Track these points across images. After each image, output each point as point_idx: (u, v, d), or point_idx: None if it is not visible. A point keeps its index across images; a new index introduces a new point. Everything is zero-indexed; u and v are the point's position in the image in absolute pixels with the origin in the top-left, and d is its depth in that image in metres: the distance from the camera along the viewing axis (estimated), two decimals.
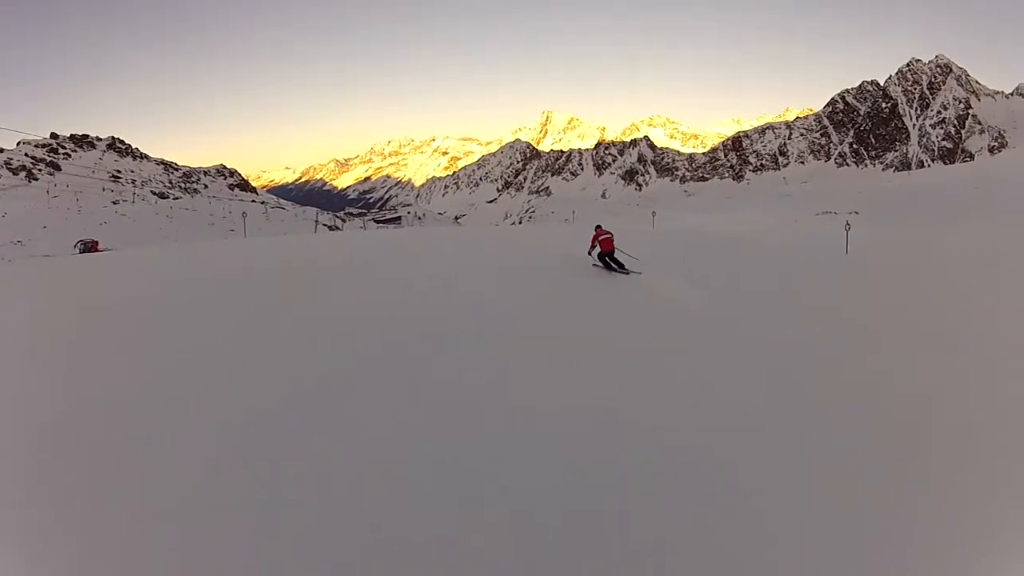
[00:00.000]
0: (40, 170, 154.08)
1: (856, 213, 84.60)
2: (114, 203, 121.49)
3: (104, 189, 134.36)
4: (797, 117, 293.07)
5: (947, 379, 7.68)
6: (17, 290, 15.32)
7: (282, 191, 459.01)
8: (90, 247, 43.05)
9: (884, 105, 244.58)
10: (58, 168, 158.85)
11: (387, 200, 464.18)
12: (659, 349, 8.70)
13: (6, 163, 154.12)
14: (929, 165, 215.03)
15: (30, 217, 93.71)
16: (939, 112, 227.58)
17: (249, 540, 3.73)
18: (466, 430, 5.49)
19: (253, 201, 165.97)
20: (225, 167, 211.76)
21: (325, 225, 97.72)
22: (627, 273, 15.15)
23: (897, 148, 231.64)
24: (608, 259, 15.47)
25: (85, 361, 7.99)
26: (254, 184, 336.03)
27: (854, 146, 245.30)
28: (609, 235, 15.81)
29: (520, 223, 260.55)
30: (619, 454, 4.99)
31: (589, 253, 16.02)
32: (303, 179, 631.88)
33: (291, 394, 6.50)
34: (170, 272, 16.76)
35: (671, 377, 7.29)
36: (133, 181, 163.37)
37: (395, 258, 18.99)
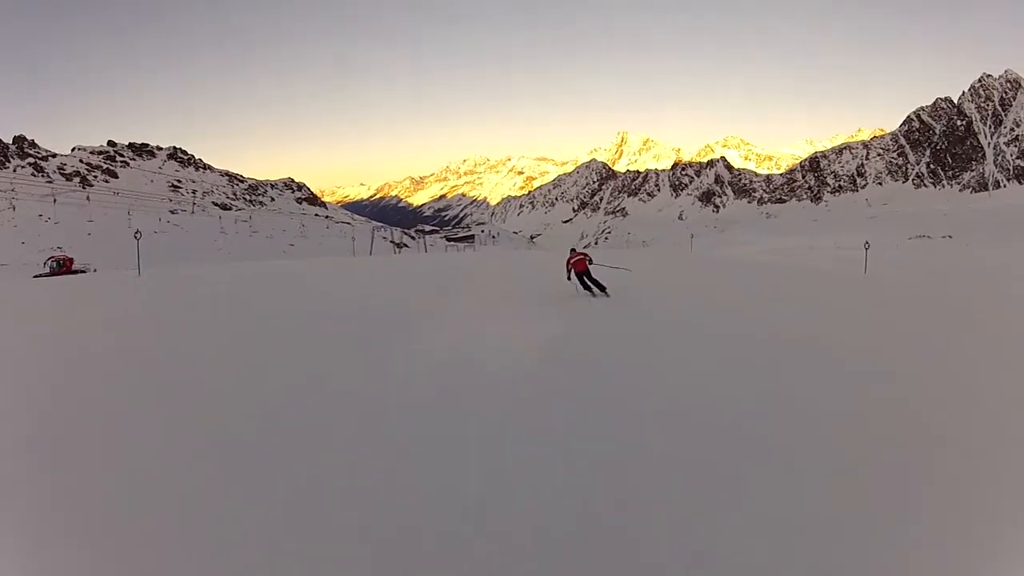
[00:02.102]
0: (95, 177, 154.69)
1: (950, 237, 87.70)
2: (172, 212, 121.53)
3: (162, 199, 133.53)
4: (874, 136, 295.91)
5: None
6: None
7: (356, 207, 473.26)
8: (64, 265, 38.88)
9: (959, 123, 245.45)
10: (115, 175, 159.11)
11: (462, 218, 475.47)
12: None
13: (59, 168, 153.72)
14: (1005, 185, 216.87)
15: (76, 225, 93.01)
16: (1012, 129, 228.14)
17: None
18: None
19: (316, 215, 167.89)
20: (293, 180, 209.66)
21: (393, 243, 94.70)
22: (607, 295, 15.35)
23: (973, 168, 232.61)
24: (586, 280, 15.65)
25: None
26: (328, 199, 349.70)
27: (931, 166, 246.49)
28: (583, 256, 16.08)
29: (596, 244, 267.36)
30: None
31: (568, 278, 16.01)
32: (378, 195, 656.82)
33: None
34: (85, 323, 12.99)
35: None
36: (194, 192, 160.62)
37: (433, 308, 14.13)
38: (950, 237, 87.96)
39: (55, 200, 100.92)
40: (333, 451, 5.00)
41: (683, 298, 16.64)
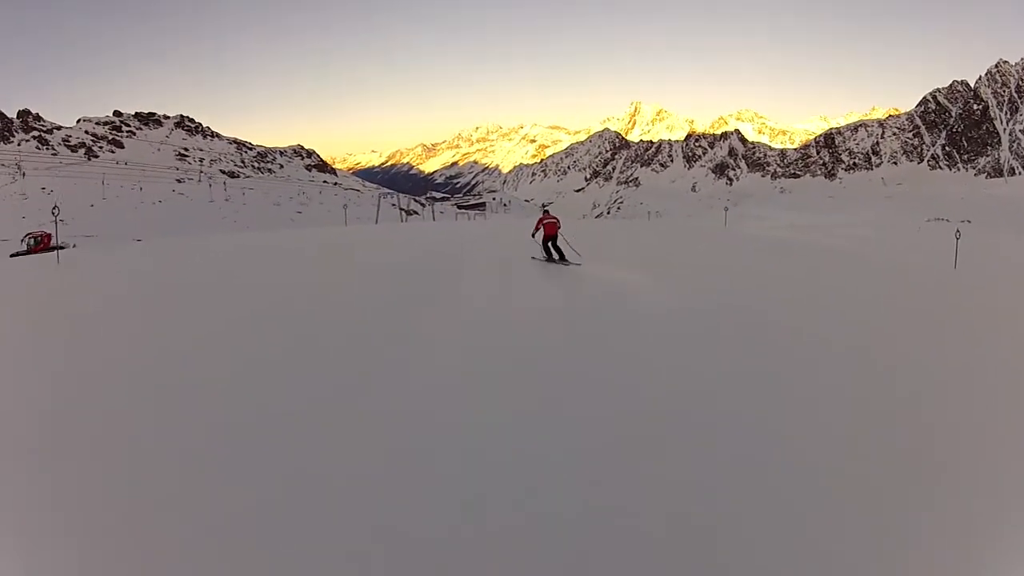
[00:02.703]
0: (101, 148, 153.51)
1: (968, 222, 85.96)
2: (178, 181, 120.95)
3: (168, 167, 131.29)
4: (889, 115, 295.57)
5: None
6: None
7: (367, 174, 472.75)
8: (41, 241, 37.11)
9: (976, 107, 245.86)
10: (120, 146, 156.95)
11: (474, 186, 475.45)
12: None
13: (64, 140, 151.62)
14: (1020, 172, 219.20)
15: (79, 195, 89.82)
16: None
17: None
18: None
19: (325, 182, 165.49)
20: (303, 147, 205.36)
21: (402, 209, 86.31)
22: (567, 264, 15.10)
23: (988, 153, 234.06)
24: (551, 245, 15.47)
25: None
26: (339, 167, 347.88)
27: (946, 148, 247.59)
28: (554, 220, 15.74)
29: (608, 214, 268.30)
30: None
31: (533, 235, 15.88)
32: (389, 163, 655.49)
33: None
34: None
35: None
36: (201, 160, 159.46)
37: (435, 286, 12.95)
38: (969, 222, 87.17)
39: (42, 175, 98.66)
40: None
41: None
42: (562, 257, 15.58)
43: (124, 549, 3.64)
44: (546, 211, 16.62)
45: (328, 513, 4.02)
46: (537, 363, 7.42)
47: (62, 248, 31.49)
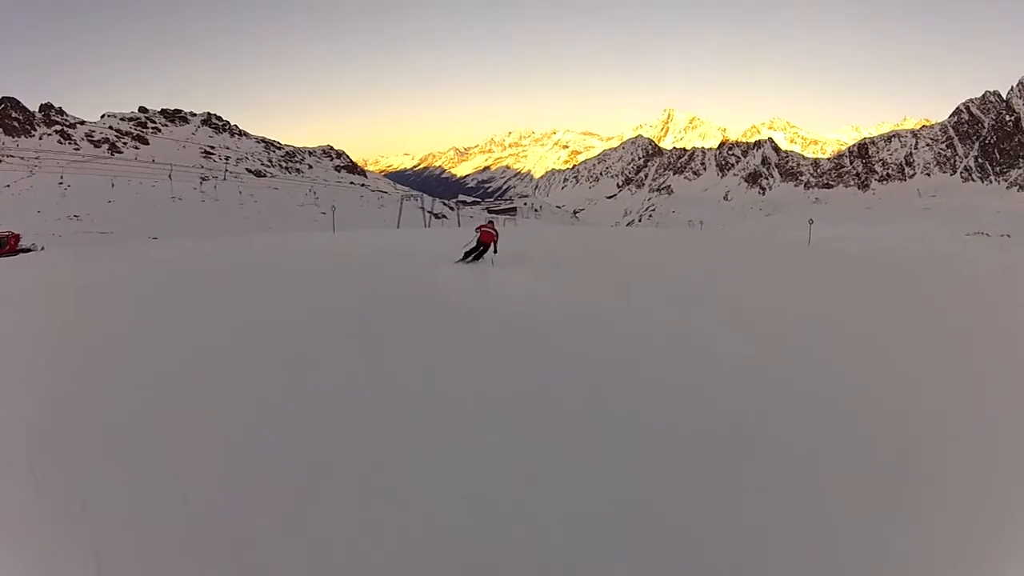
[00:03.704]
0: (125, 144, 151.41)
1: (1008, 236, 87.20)
2: (203, 179, 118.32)
3: (193, 165, 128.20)
4: (924, 126, 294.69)
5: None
6: None
7: (399, 176, 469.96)
8: (7, 243, 33.62)
9: (1008, 118, 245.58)
10: (145, 142, 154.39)
11: (505, 190, 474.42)
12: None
13: (87, 135, 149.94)
14: None
15: (97, 191, 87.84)
16: None
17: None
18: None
19: (352, 183, 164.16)
20: (332, 148, 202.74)
21: (431, 212, 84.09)
22: (477, 260, 16.35)
23: (1021, 165, 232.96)
24: (481, 250, 16.35)
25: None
26: (371, 169, 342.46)
27: (979, 160, 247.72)
28: (492, 230, 16.75)
29: (639, 221, 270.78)
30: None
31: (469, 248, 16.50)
32: (421, 165, 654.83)
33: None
34: None
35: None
36: (227, 158, 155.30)
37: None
38: (1008, 236, 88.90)
39: (61, 170, 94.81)
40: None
41: None
42: (479, 256, 16.64)
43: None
44: (491, 222, 18.14)
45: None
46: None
47: (28, 251, 30.71)
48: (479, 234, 16.83)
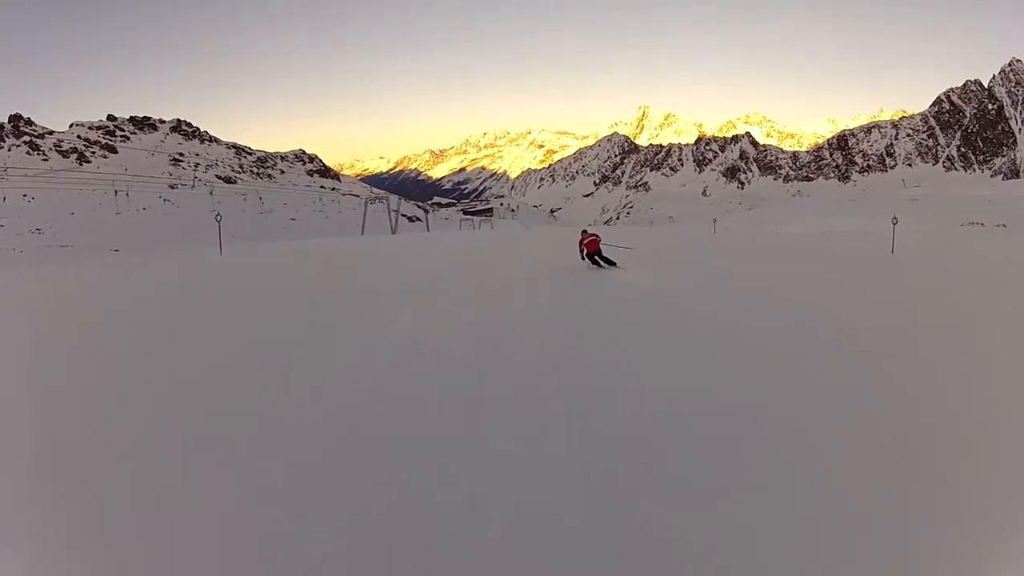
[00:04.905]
0: (93, 153, 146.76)
1: (1004, 226, 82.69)
2: (171, 187, 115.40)
3: (161, 173, 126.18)
4: (903, 117, 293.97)
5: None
6: None
7: (375, 180, 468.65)
8: None
9: (990, 107, 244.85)
10: (114, 151, 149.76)
11: (482, 191, 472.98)
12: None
13: (55, 145, 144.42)
14: None
15: (61, 203, 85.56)
16: None
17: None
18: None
19: (322, 187, 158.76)
20: (304, 152, 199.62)
21: (404, 216, 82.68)
22: (614, 265, 16.57)
23: (1004, 153, 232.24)
24: (598, 258, 16.66)
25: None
26: (347, 173, 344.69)
27: (961, 149, 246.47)
28: (595, 237, 16.94)
29: (617, 219, 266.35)
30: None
31: (582, 258, 16.79)
32: (397, 168, 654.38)
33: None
34: None
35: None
36: (196, 165, 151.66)
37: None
38: (1005, 226, 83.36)
39: (28, 182, 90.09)
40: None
41: None
42: (610, 263, 16.63)
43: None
44: (584, 231, 17.54)
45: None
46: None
47: None
48: (584, 248, 16.61)
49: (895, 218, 25.51)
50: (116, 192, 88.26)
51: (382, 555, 3.56)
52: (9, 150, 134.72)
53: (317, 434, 5.32)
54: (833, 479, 4.51)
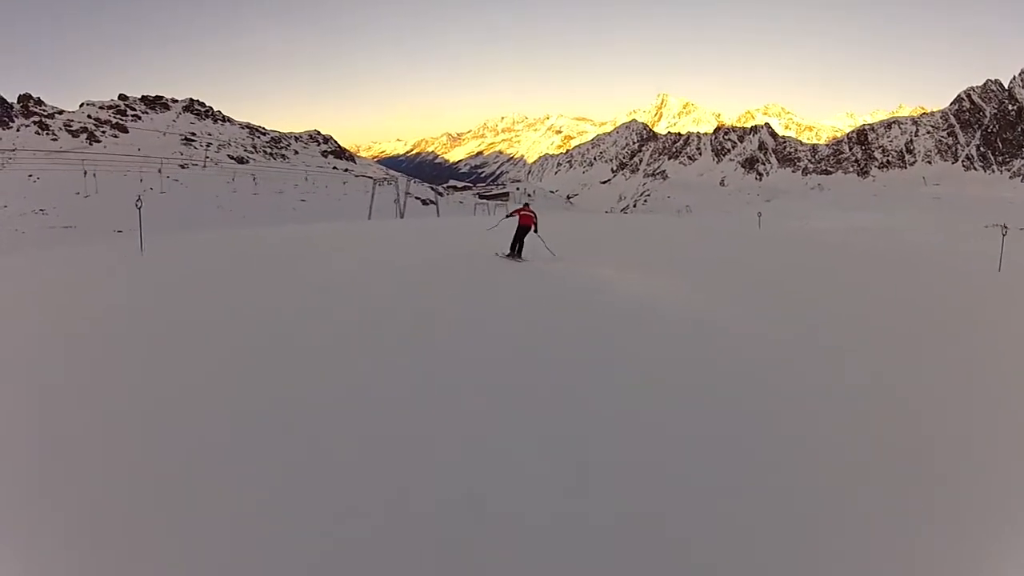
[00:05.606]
0: (103, 133, 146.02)
1: None
2: (182, 167, 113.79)
3: (173, 152, 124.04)
4: (923, 113, 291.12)
5: None
6: None
7: (392, 163, 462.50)
8: None
9: (1011, 108, 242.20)
10: (124, 131, 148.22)
11: (499, 176, 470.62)
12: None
13: (65, 125, 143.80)
14: None
15: (69, 182, 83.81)
16: None
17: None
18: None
19: (335, 168, 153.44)
20: (319, 132, 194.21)
21: (418, 198, 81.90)
22: (521, 260, 15.33)
23: (1023, 155, 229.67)
24: (521, 239, 15.59)
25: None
26: (364, 155, 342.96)
27: (980, 149, 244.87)
28: (533, 215, 15.81)
29: (634, 207, 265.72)
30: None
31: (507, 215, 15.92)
32: (414, 151, 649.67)
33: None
34: None
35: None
36: (208, 144, 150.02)
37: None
38: None
39: (36, 162, 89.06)
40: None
41: None
42: (518, 254, 15.71)
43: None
44: (526, 205, 16.98)
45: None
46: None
47: None
48: (518, 218, 15.89)
49: (1005, 226, 20.47)
50: (140, 180, 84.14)
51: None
52: (18, 130, 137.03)
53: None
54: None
